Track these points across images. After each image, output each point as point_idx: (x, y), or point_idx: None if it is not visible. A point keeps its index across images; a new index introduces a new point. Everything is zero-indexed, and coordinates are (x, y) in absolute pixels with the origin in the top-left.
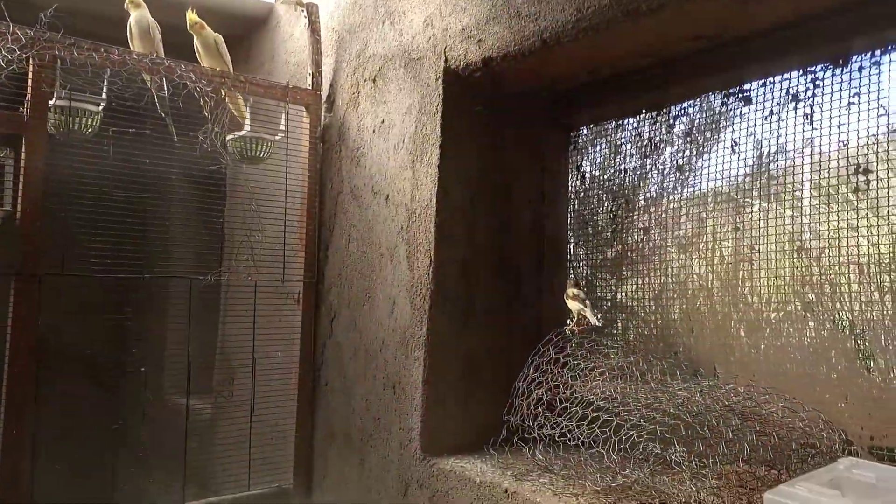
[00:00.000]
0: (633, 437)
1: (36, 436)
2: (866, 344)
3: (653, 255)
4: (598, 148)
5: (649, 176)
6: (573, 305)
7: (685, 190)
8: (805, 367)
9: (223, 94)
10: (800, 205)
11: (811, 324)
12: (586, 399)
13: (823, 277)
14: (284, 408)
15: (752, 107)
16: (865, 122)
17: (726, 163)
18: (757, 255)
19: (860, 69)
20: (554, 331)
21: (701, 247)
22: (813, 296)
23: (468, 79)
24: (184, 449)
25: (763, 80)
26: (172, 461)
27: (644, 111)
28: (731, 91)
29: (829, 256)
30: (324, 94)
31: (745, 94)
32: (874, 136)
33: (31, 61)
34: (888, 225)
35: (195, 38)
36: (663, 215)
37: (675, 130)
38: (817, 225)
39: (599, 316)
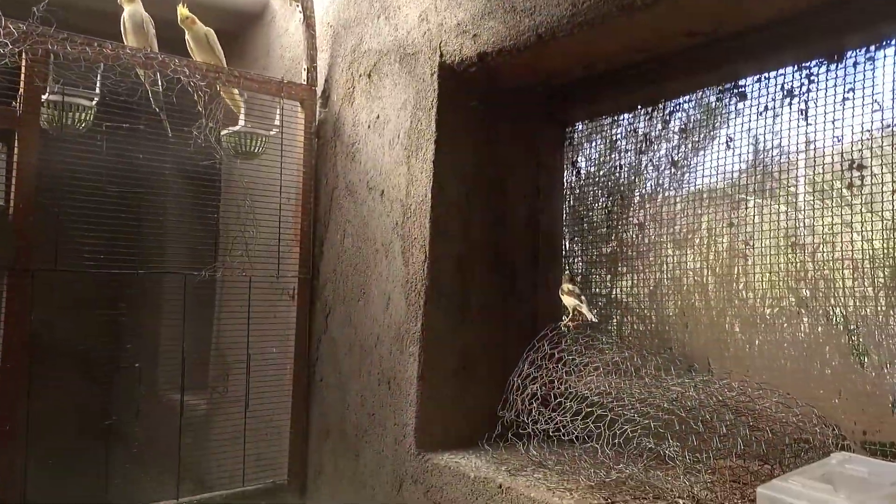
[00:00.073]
0: (628, 432)
1: (28, 432)
2: (860, 340)
3: (648, 251)
4: (594, 143)
5: (644, 172)
6: (568, 301)
7: (680, 186)
8: (799, 363)
9: (219, 87)
10: (794, 200)
11: (805, 319)
12: (581, 394)
13: (818, 273)
14: (279, 403)
15: (747, 102)
16: (860, 118)
17: (721, 158)
18: (751, 250)
19: (855, 64)
20: (549, 326)
21: (696, 243)
22: (807, 292)
23: (463, 74)
24: (178, 445)
25: (758, 76)
26: (167, 457)
27: (639, 107)
28: (725, 87)
29: (824, 252)
30: (319, 90)
31: (739, 89)
32: (868, 131)
33: (23, 56)
34: (882, 221)
35: (187, 32)
36: (658, 211)
37: (670, 126)
38: (812, 221)
39: (595, 312)
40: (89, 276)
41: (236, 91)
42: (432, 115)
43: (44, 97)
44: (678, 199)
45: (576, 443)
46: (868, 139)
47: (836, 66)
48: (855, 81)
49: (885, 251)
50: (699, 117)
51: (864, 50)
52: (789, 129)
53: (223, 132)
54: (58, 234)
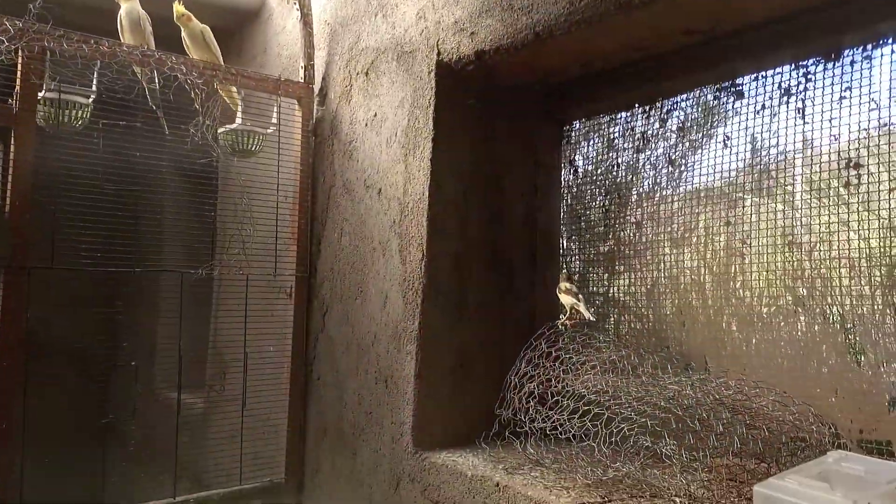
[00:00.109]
0: (624, 430)
1: (25, 430)
2: (857, 338)
3: (645, 250)
4: (591, 142)
5: (642, 170)
6: (566, 300)
7: (678, 184)
8: (796, 362)
9: (216, 84)
10: (791, 199)
11: (802, 318)
12: (578, 393)
13: (815, 272)
14: (276, 402)
15: (745, 101)
16: (857, 117)
17: (719, 157)
18: (749, 249)
19: (852, 63)
20: (546, 325)
21: (693, 241)
22: (804, 290)
23: (461, 72)
24: (175, 443)
25: (755, 75)
26: (164, 456)
27: (637, 105)
28: (723, 85)
29: (821, 251)
30: (316, 88)
31: (737, 88)
32: (865, 130)
33: (19, 53)
34: (879, 219)
35: (182, 29)
36: (656, 210)
37: (667, 125)
38: (809, 219)
39: (592, 310)
40: (86, 273)
41: (234, 88)
42: (430, 114)
43: (40, 94)
44: (675, 198)
45: (573, 441)
46: (865, 138)
47: (834, 64)
48: (852, 80)
49: (882, 250)
50: (697, 116)
51: (861, 49)
52: (786, 127)
53: (220, 130)
54: (54, 231)
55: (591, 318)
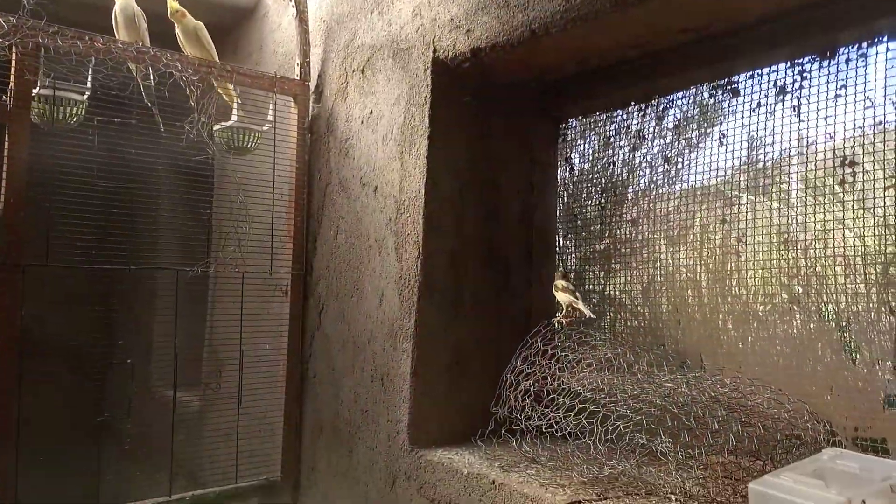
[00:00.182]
0: (620, 428)
1: (19, 429)
2: (852, 336)
3: (641, 248)
4: (588, 140)
5: (638, 168)
6: (563, 298)
7: (673, 182)
8: (791, 360)
9: (212, 81)
10: (787, 197)
11: (798, 316)
12: (574, 390)
13: (810, 270)
14: (272, 400)
15: (740, 99)
16: (852, 115)
17: (714, 155)
18: (744, 247)
19: (847, 61)
20: (542, 322)
21: (689, 239)
22: (800, 288)
23: (457, 69)
24: (171, 441)
25: (751, 72)
26: (159, 454)
27: (633, 103)
28: (719, 83)
29: (816, 249)
30: (312, 85)
31: (733, 85)
32: (860, 128)
33: (13, 49)
34: (874, 217)
35: (177, 26)
36: (652, 208)
37: (663, 122)
38: (804, 217)
39: (590, 308)
40: (81, 271)
41: (231, 85)
42: (425, 111)
43: (34, 91)
44: (671, 196)
45: (569, 439)
46: (860, 136)
47: (829, 62)
48: (847, 78)
49: (877, 248)
50: (693, 114)
51: (856, 47)
52: (782, 125)
53: (216, 127)
54: (49, 228)
55: (591, 316)
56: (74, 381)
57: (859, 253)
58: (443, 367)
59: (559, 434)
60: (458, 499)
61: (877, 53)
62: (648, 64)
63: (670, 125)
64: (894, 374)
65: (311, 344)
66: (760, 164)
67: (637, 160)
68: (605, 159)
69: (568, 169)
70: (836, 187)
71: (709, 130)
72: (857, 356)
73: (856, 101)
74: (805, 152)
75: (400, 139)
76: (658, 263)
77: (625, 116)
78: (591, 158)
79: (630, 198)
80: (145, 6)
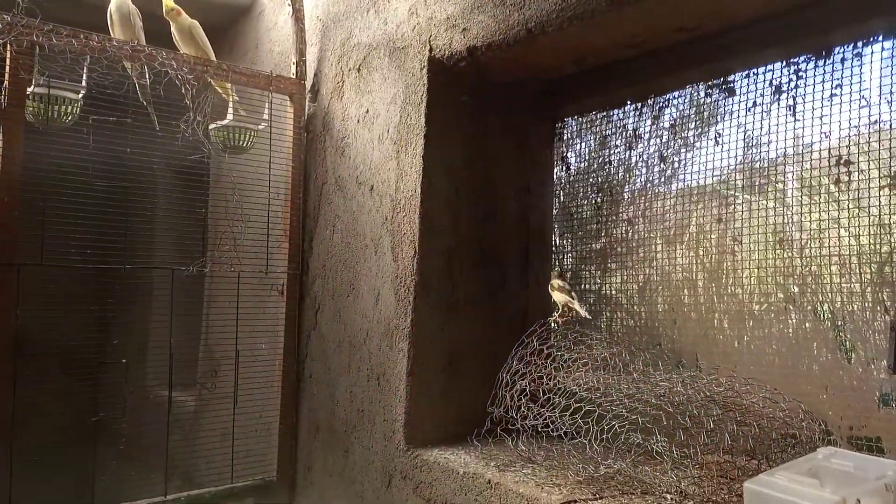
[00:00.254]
0: (616, 427)
1: (13, 429)
2: (847, 335)
3: (637, 247)
4: (584, 139)
5: (635, 168)
6: (559, 297)
7: (670, 182)
8: (787, 359)
9: (208, 78)
10: (782, 197)
11: (793, 315)
12: (569, 390)
13: (806, 269)
14: (268, 400)
15: (736, 98)
16: (847, 114)
17: (710, 154)
18: (740, 247)
19: (842, 60)
20: (538, 322)
21: (685, 239)
22: (796, 288)
23: (453, 68)
24: (166, 441)
25: (746, 72)
26: (155, 454)
27: (629, 102)
28: (714, 82)
29: (812, 248)
30: (308, 84)
31: (729, 85)
32: (856, 127)
33: (8, 47)
34: (869, 217)
35: (172, 24)
36: (648, 207)
37: (660, 122)
38: (800, 217)
39: (586, 308)
40: (76, 270)
41: (229, 84)
42: (422, 110)
43: (29, 90)
44: (668, 195)
45: (564, 438)
46: (855, 135)
47: (824, 62)
48: (843, 77)
49: (872, 247)
50: (689, 113)
51: (851, 46)
52: (777, 125)
53: (211, 126)
54: (44, 228)
55: (587, 316)
56: (69, 381)
57: (854, 252)
58: (439, 367)
59: (555, 433)
60: (454, 498)
61: (872, 53)
62: (644, 63)
63: (666, 124)
64: (889, 374)
65: (307, 343)
66: (756, 164)
67: (633, 160)
68: (602, 159)
69: (564, 168)
70: (832, 187)
71: (705, 130)
72: (853, 355)
73: (851, 101)
74: (801, 152)
75: (396, 138)
76: (654, 263)
77: (621, 116)
78: (587, 158)
79: (626, 197)
80: (141, 4)
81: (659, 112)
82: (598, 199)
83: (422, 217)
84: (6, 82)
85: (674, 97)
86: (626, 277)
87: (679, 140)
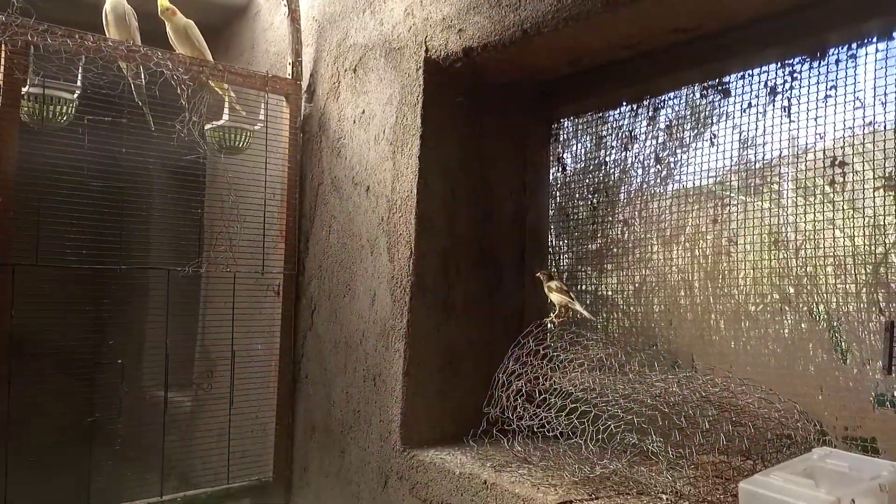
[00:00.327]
0: (611, 427)
1: (9, 429)
2: (843, 336)
3: (634, 248)
4: (580, 140)
5: (630, 169)
6: (558, 298)
7: (666, 183)
8: (783, 360)
9: (205, 78)
10: (778, 198)
11: (789, 316)
12: (565, 390)
13: (801, 270)
14: (264, 400)
15: (731, 99)
16: (842, 115)
17: (706, 155)
18: (736, 248)
19: (837, 62)
20: (535, 322)
21: (681, 240)
22: (791, 288)
23: (449, 69)
24: (162, 442)
25: (742, 73)
26: (151, 454)
27: (625, 103)
28: (710, 83)
29: (807, 249)
30: (304, 84)
31: (724, 86)
32: (850, 128)
33: (2, 47)
34: (864, 218)
35: (167, 24)
36: (644, 208)
37: (655, 123)
38: (795, 218)
39: (583, 308)
40: (71, 270)
41: (227, 85)
42: (418, 111)
43: (24, 90)
44: (663, 196)
45: (560, 439)
46: (850, 136)
47: (819, 63)
48: (837, 79)
49: (867, 248)
50: (684, 114)
51: (846, 47)
52: (773, 126)
53: (207, 126)
54: (39, 228)
55: (590, 318)
56: (65, 381)
57: (850, 253)
58: (435, 368)
59: (551, 434)
60: (449, 499)
61: (866, 54)
62: (640, 64)
63: (662, 125)
64: (884, 374)
65: (303, 344)
66: (751, 165)
67: (629, 161)
68: (598, 160)
69: (560, 169)
70: (827, 188)
71: (700, 131)
72: (848, 356)
73: (845, 102)
74: (796, 153)
75: (392, 139)
76: (650, 264)
77: (617, 117)
78: (583, 159)
79: (622, 198)
80: (136, 4)
81: (654, 113)
82: (595, 200)
83: (418, 218)
84: (1, 82)
85: (669, 98)
86: (622, 278)
87: (675, 141)
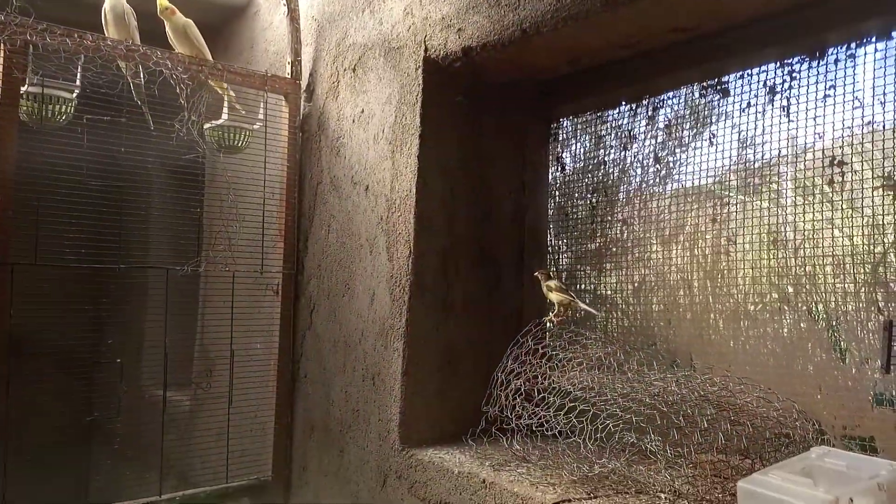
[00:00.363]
0: (610, 426)
1: (8, 428)
2: (842, 335)
3: (633, 248)
4: (579, 139)
5: (630, 168)
6: (558, 297)
7: (665, 182)
8: (782, 359)
9: (203, 77)
10: (777, 197)
11: (788, 315)
12: (564, 389)
13: (800, 270)
14: (263, 399)
15: (730, 99)
16: (841, 115)
17: (705, 155)
18: (735, 247)
19: (836, 62)
20: (534, 321)
21: (680, 239)
22: (790, 288)
23: (448, 68)
24: (161, 441)
25: (741, 73)
26: (149, 453)
27: (624, 103)
28: (709, 83)
29: (806, 249)
30: (303, 84)
31: (723, 86)
32: (849, 128)
33: (1, 46)
34: (863, 217)
35: (166, 24)
36: (643, 207)
37: (654, 122)
38: (794, 217)
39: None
40: (70, 270)
41: (227, 85)
42: (417, 110)
43: (23, 89)
44: (663, 196)
45: (559, 438)
46: (849, 136)
47: (818, 63)
48: (836, 78)
49: (866, 247)
50: (683, 114)
51: (845, 47)
52: (772, 125)
53: (206, 126)
54: (38, 227)
55: (594, 312)
56: (64, 381)
57: (848, 252)
58: (434, 367)
59: (549, 433)
60: (448, 498)
61: (865, 54)
62: (639, 64)
63: (661, 125)
64: (882, 374)
65: (303, 343)
66: (750, 165)
67: (628, 160)
68: (597, 159)
69: (559, 168)
70: (826, 187)
71: (699, 130)
72: (847, 355)
73: (844, 102)
74: (795, 152)
75: (391, 138)
76: (649, 263)
77: (616, 116)
78: (582, 158)
79: (621, 198)
80: (135, 3)
81: (654, 112)
82: (594, 200)
83: (417, 217)
84: (0, 82)
85: (668, 98)
86: (621, 277)
87: (674, 140)
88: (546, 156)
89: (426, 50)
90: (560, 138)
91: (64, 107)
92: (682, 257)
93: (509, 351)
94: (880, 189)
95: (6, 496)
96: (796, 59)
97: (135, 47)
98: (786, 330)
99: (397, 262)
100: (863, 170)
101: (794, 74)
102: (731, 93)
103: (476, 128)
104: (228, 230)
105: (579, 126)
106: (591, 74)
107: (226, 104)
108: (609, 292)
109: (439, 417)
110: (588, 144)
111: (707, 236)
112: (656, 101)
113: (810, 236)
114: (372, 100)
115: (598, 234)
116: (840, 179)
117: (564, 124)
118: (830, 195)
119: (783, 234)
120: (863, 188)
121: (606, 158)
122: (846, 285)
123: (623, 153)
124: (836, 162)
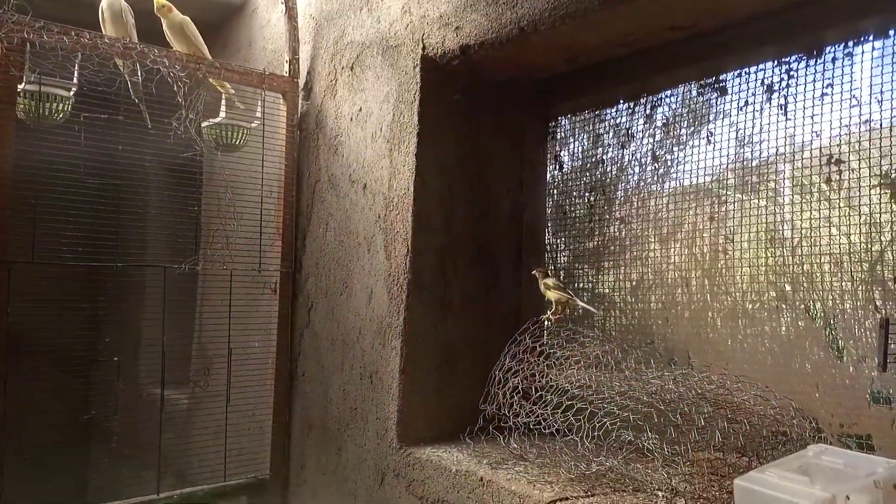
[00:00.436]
0: (607, 424)
1: (4, 427)
2: (839, 334)
3: (631, 246)
4: (577, 138)
5: (628, 166)
6: (556, 296)
7: (663, 181)
8: (779, 357)
9: (201, 75)
10: (774, 195)
11: (786, 314)
12: (562, 387)
13: (798, 268)
14: (261, 398)
15: (728, 97)
16: (838, 113)
17: (703, 153)
18: (732, 245)
19: (833, 60)
20: (531, 320)
21: (678, 237)
22: (788, 286)
23: (446, 67)
24: (159, 440)
25: (738, 71)
26: (147, 452)
27: (622, 101)
28: (707, 81)
29: (804, 247)
30: (301, 82)
31: (720, 84)
32: (846, 126)
33: None
34: (860, 215)
35: (163, 21)
36: (641, 206)
37: (652, 121)
38: (791, 216)
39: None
40: (67, 268)
41: (228, 84)
42: (414, 108)
43: (20, 87)
44: (660, 194)
45: (556, 436)
46: (847, 134)
47: (816, 61)
48: (833, 77)
49: (863, 246)
50: (681, 112)
51: (842, 45)
52: (769, 124)
53: (204, 124)
54: (35, 225)
55: (592, 310)
56: (61, 379)
57: (846, 251)
58: (432, 365)
59: (547, 431)
60: (446, 496)
61: (862, 52)
62: (637, 62)
63: (659, 123)
64: (880, 371)
65: (300, 341)
66: (748, 163)
67: (626, 158)
68: (595, 157)
69: (558, 167)
70: (823, 185)
71: (697, 129)
72: (844, 353)
73: (842, 100)
74: (792, 151)
75: (389, 136)
76: (647, 261)
77: (614, 115)
78: (580, 156)
79: (619, 196)
80: (132, 1)
81: (652, 111)
82: (592, 198)
83: (415, 215)
84: None
85: (666, 96)
86: (619, 276)
87: (672, 139)
88: (544, 154)
89: (424, 48)
90: (558, 137)
91: (61, 105)
92: (680, 256)
93: (507, 349)
94: (878, 187)
95: (4, 494)
96: (794, 58)
97: (132, 45)
98: (783, 328)
99: (395, 260)
100: (860, 168)
101: (791, 73)
102: (729, 91)
103: (474, 126)
104: (226, 228)
105: (577, 124)
106: (589, 73)
107: (223, 102)
108: (607, 290)
109: (437, 416)
110: (586, 143)
111: (705, 235)
112: (654, 99)
113: (808, 235)
114: (370, 98)
115: (597, 233)
116: (837, 178)
117: (562, 123)
118: (828, 193)
119: (781, 232)
120: (860, 186)
121: (604, 157)
122: (843, 283)
123: (621, 151)
124: (833, 160)
